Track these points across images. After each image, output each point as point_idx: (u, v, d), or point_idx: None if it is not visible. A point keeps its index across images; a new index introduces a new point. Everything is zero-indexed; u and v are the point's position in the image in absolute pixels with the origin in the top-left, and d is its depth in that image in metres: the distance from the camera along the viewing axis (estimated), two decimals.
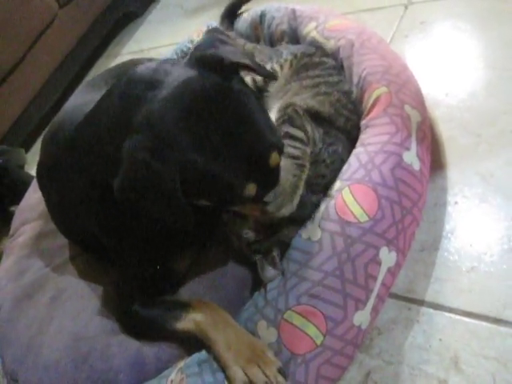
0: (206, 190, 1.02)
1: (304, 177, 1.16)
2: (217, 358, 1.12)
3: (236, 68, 1.02)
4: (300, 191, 1.14)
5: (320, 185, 1.25)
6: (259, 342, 1.11)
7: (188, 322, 1.19)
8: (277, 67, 1.54)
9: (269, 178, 1.06)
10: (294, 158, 1.16)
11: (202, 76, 0.98)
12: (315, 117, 1.32)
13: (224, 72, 0.99)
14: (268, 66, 1.56)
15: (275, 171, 1.07)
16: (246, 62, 1.03)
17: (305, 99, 1.36)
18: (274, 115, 1.35)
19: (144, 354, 1.28)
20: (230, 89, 0.98)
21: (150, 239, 1.28)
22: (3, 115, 2.88)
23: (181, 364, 1.19)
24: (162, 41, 3.05)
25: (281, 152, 1.06)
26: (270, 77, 1.26)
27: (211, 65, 0.99)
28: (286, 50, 1.62)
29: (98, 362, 1.33)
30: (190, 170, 0.96)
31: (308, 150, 1.20)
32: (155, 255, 1.30)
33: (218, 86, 0.98)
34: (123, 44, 3.43)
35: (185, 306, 1.22)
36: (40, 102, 3.04)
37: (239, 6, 2.10)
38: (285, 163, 1.13)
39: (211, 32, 1.14)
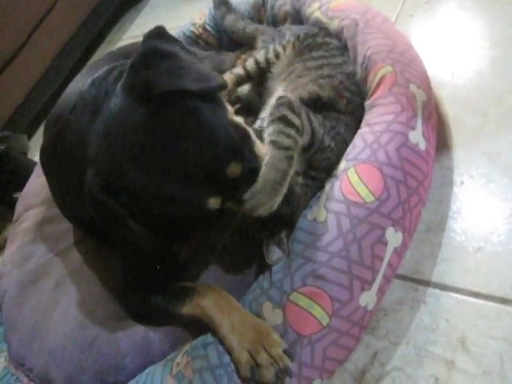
0: (170, 209, 1.04)
1: (291, 171, 1.12)
2: (222, 341, 1.12)
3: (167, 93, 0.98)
4: (284, 189, 1.10)
5: (323, 168, 1.24)
6: (264, 324, 1.11)
7: (193, 306, 1.20)
8: (279, 49, 1.53)
9: (234, 187, 1.04)
10: (283, 148, 1.12)
11: (133, 108, 0.97)
12: (315, 102, 1.31)
13: (156, 97, 0.96)
14: (270, 48, 1.55)
15: (240, 180, 1.05)
16: (177, 86, 0.98)
17: (306, 84, 1.36)
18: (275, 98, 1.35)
19: (150, 337, 1.29)
20: (164, 113, 0.96)
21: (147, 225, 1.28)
22: (5, 101, 2.87)
23: (186, 347, 1.19)
24: (164, 25, 2.98)
25: (242, 161, 1.03)
26: (216, 90, 1.10)
27: (142, 93, 0.97)
28: (289, 31, 1.60)
29: (105, 347, 1.34)
30: (146, 196, 0.99)
31: (300, 141, 1.17)
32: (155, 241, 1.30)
33: (150, 114, 0.96)
34: (125, 29, 3.40)
35: (189, 291, 1.22)
36: (42, 88, 3.02)
37: None
38: (272, 155, 1.11)
39: (150, 38, 1.09)
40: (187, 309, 1.21)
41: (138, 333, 1.31)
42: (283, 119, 1.17)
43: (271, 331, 1.09)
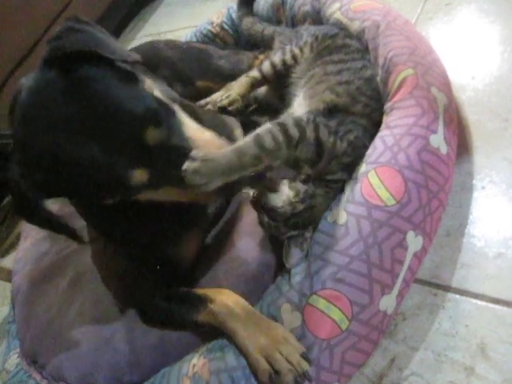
0: (95, 185, 0.98)
1: (248, 171, 1.09)
2: (238, 348, 1.11)
3: (80, 55, 0.95)
4: (227, 179, 1.06)
5: (343, 170, 1.24)
6: (280, 328, 1.10)
7: (206, 314, 1.19)
8: (297, 50, 1.52)
9: (160, 160, 0.99)
10: (260, 146, 1.10)
11: (42, 77, 0.96)
12: (331, 110, 1.30)
13: (65, 63, 0.94)
14: (287, 49, 1.54)
15: (167, 154, 1.00)
16: (89, 48, 0.95)
17: (323, 92, 1.34)
18: (298, 102, 1.37)
19: (166, 338, 1.29)
20: (71, 80, 0.93)
21: (141, 228, 1.29)
22: None
23: (203, 348, 1.19)
24: (179, 24, 3.02)
25: (159, 125, 0.97)
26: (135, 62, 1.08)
27: (52, 61, 0.95)
28: (307, 32, 1.59)
29: (121, 345, 1.34)
30: (64, 172, 0.95)
31: (284, 153, 1.15)
32: (153, 243, 1.31)
33: (57, 81, 0.94)
34: (140, 27, 3.41)
35: (202, 298, 1.21)
36: None
37: None
38: (245, 142, 1.10)
39: (66, 22, 1.06)
40: (201, 317, 1.20)
41: (153, 332, 1.31)
42: (281, 125, 1.15)
43: (288, 335, 1.08)
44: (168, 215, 1.25)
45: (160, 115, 0.99)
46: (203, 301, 1.20)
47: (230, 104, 1.57)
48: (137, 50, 1.93)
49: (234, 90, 1.60)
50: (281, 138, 1.13)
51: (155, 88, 1.09)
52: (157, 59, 1.81)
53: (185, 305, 1.25)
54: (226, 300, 1.18)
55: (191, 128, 1.09)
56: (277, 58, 1.55)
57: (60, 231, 1.10)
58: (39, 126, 0.93)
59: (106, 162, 0.93)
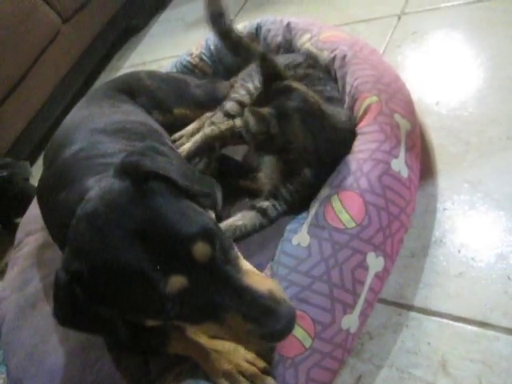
0: (134, 296, 0.96)
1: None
2: (207, 375, 1.14)
3: (153, 175, 0.99)
4: None
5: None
6: (240, 350, 1.13)
7: (173, 348, 1.22)
8: (261, 86, 1.57)
9: (201, 275, 0.95)
10: None
11: (114, 185, 0.99)
12: None
13: (138, 177, 0.97)
14: (250, 86, 1.60)
15: (209, 272, 0.95)
16: (164, 172, 0.99)
17: None
18: None
19: (148, 359, 1.31)
20: (140, 192, 0.96)
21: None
22: (9, 128, 2.92)
23: (176, 370, 1.21)
24: (164, 53, 3.09)
25: (214, 243, 0.96)
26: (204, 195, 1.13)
27: (128, 172, 0.99)
28: None
29: (106, 367, 1.36)
30: (107, 272, 0.94)
31: None
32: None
33: (129, 191, 0.97)
34: (126, 57, 3.48)
35: (167, 335, 1.23)
36: (45, 115, 3.09)
37: None
38: None
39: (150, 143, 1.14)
40: (169, 349, 1.22)
41: (137, 356, 1.34)
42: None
43: (249, 356, 1.11)
44: None
45: (214, 235, 0.98)
46: (166, 337, 1.22)
47: (207, 167, 1.63)
48: (119, 79, 1.98)
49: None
50: None
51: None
52: (137, 88, 1.86)
53: (154, 339, 1.25)
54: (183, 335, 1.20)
55: (245, 261, 1.07)
56: (243, 96, 1.63)
57: (107, 332, 1.10)
58: (102, 229, 0.94)
59: (147, 268, 0.91)
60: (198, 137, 1.60)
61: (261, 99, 1.28)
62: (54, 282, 0.96)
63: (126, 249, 0.91)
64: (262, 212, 1.37)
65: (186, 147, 1.60)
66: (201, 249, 0.93)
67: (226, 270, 0.96)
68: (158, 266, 0.91)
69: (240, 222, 1.37)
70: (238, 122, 1.55)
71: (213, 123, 1.66)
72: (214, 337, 1.15)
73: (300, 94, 1.25)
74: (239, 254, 1.06)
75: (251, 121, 1.20)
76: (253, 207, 1.39)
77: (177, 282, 0.92)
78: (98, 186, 1.02)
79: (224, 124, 1.58)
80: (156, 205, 0.95)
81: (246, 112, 1.23)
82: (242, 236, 1.37)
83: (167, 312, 0.94)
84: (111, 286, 0.94)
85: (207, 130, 1.59)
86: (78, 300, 0.94)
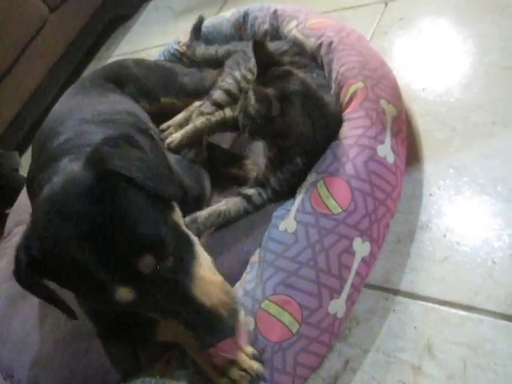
0: (84, 288, 0.99)
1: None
2: (195, 361, 1.16)
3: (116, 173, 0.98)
4: None
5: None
6: None
7: (160, 336, 1.23)
8: (247, 74, 1.58)
9: (150, 287, 0.97)
10: None
11: (78, 172, 1.00)
12: None
13: (102, 172, 0.97)
14: (237, 75, 1.60)
15: (159, 276, 0.97)
16: (128, 173, 0.98)
17: None
18: None
19: (138, 348, 1.32)
20: (101, 188, 0.96)
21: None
22: None
23: (167, 356, 1.23)
24: (153, 42, 3.08)
25: (161, 255, 0.97)
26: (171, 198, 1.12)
27: (95, 166, 0.99)
28: None
29: (95, 356, 1.37)
30: (61, 262, 0.96)
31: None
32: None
33: (90, 185, 0.97)
34: (115, 46, 3.46)
35: (155, 323, 1.24)
36: (33, 106, 3.07)
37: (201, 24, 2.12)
38: None
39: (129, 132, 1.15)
40: (158, 337, 1.24)
41: (127, 344, 1.35)
42: None
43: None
44: None
45: (164, 249, 0.98)
46: (154, 325, 1.23)
47: (196, 156, 1.63)
48: (106, 67, 1.98)
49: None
50: None
51: (181, 220, 1.13)
52: (124, 77, 1.85)
53: (143, 328, 1.26)
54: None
55: (203, 267, 1.08)
56: (230, 84, 1.62)
57: (54, 304, 1.09)
58: (57, 214, 0.96)
59: (96, 272, 0.93)
60: (188, 129, 1.60)
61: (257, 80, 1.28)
62: (14, 255, 0.99)
63: (76, 247, 0.93)
64: (247, 198, 1.37)
65: (177, 139, 1.59)
66: (147, 262, 0.95)
67: (175, 280, 1.00)
68: (105, 272, 0.93)
69: (224, 208, 1.38)
70: (228, 112, 1.56)
71: (201, 113, 1.66)
72: None
73: (299, 79, 1.25)
74: (198, 253, 1.09)
75: (252, 100, 1.21)
76: (238, 194, 1.40)
77: (124, 293, 0.95)
78: (64, 172, 1.04)
79: (214, 115, 1.58)
80: (112, 206, 0.96)
81: (250, 91, 1.23)
82: (225, 221, 1.38)
83: (117, 308, 1.00)
84: (62, 276, 0.98)
85: (198, 122, 1.59)
86: (34, 277, 0.98)
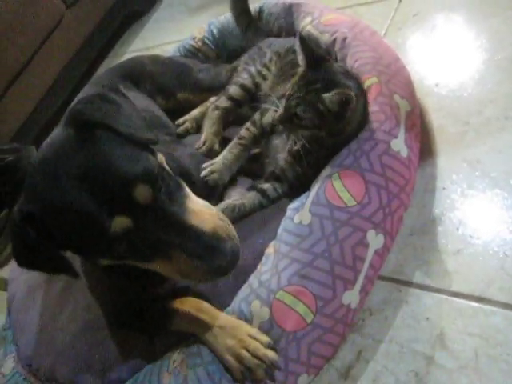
0: (84, 236, 1.01)
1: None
2: (210, 350, 1.19)
3: (94, 123, 1.02)
4: None
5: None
6: (243, 326, 1.17)
7: (175, 325, 1.27)
8: (262, 69, 1.60)
9: (146, 215, 1.00)
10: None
11: (60, 133, 1.04)
12: None
13: (81, 126, 1.01)
14: (253, 70, 1.63)
15: (155, 206, 1.01)
16: (106, 122, 1.02)
17: None
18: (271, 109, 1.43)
19: (156, 337, 1.35)
20: (84, 140, 1.00)
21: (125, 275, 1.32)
22: (14, 114, 2.95)
23: (182, 345, 1.25)
24: (167, 38, 3.11)
25: (151, 185, 1.00)
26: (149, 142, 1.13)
27: (73, 121, 1.03)
28: (269, 49, 1.69)
29: (112, 345, 1.40)
30: (58, 212, 0.99)
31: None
32: (139, 286, 1.35)
33: (72, 139, 1.01)
34: (129, 42, 3.50)
35: (169, 312, 1.28)
36: (50, 101, 3.11)
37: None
38: None
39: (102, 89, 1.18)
40: (174, 327, 1.27)
41: (144, 334, 1.37)
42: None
43: (252, 331, 1.15)
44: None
45: (156, 178, 1.02)
46: (170, 315, 1.27)
47: (210, 150, 1.65)
48: (122, 65, 2.00)
49: (208, 134, 1.68)
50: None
51: (165, 163, 1.16)
52: (140, 74, 1.88)
53: (159, 318, 1.31)
54: (188, 309, 1.24)
55: (196, 202, 1.12)
56: (247, 81, 1.65)
57: (60, 271, 1.10)
58: (50, 174, 0.99)
59: (93, 209, 0.96)
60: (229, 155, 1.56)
61: (307, 74, 1.29)
62: (10, 224, 1.02)
63: (71, 192, 0.97)
64: (262, 192, 1.40)
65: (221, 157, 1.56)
66: (141, 191, 0.99)
67: (171, 210, 1.03)
68: (102, 207, 0.96)
69: (239, 202, 1.40)
70: (252, 129, 1.54)
71: (217, 107, 1.68)
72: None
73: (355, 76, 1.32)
74: (189, 193, 1.12)
75: (328, 98, 1.21)
76: (252, 188, 1.42)
77: (121, 222, 0.98)
78: (50, 136, 1.07)
79: (245, 138, 1.55)
80: (98, 151, 0.99)
81: (317, 90, 1.24)
82: (240, 216, 1.40)
83: (115, 250, 1.01)
84: (60, 226, 1.00)
85: (235, 150, 1.56)
86: (30, 238, 0.99)
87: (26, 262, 1.06)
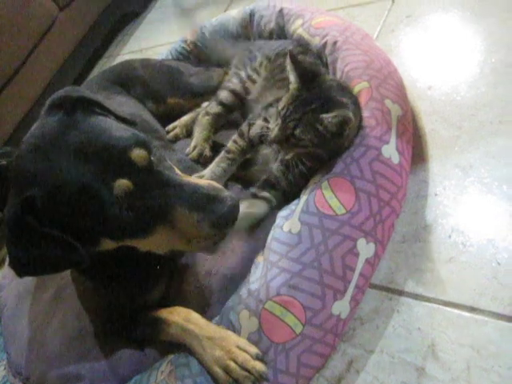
0: (80, 207, 1.01)
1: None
2: (199, 361, 1.17)
3: (81, 101, 1.08)
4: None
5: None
6: (232, 336, 1.16)
7: (164, 335, 1.26)
8: (252, 74, 1.59)
9: (144, 176, 1.04)
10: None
11: (46, 118, 1.06)
12: None
13: (69, 107, 1.06)
14: (243, 75, 1.61)
15: (151, 168, 1.05)
16: (88, 96, 1.10)
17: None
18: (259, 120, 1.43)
19: (144, 348, 1.34)
20: (73, 118, 1.04)
21: (117, 276, 1.33)
22: (7, 117, 2.92)
23: (170, 356, 1.24)
24: (161, 39, 3.10)
25: (146, 149, 1.05)
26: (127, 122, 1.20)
27: (58, 104, 1.07)
28: (260, 52, 1.66)
29: (102, 355, 1.39)
30: (56, 191, 0.99)
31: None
32: (126, 291, 1.35)
33: (62, 120, 1.04)
34: (124, 44, 3.48)
35: (158, 322, 1.28)
36: (43, 104, 3.04)
37: None
38: None
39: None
40: (162, 337, 1.27)
41: (133, 343, 1.36)
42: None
43: (240, 342, 1.14)
44: (142, 269, 1.32)
45: (149, 143, 1.08)
46: (158, 324, 1.27)
47: (200, 156, 1.63)
48: (113, 69, 1.99)
49: (198, 139, 1.66)
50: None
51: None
52: (130, 78, 1.88)
53: (147, 327, 1.31)
54: (177, 319, 1.24)
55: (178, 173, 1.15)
56: (236, 85, 1.64)
57: (66, 262, 1.08)
58: (44, 157, 1.00)
59: (93, 178, 0.98)
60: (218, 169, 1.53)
61: (301, 93, 1.27)
62: (5, 223, 1.00)
63: (70, 167, 0.98)
64: (267, 201, 1.38)
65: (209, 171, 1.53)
66: (138, 153, 1.03)
67: (166, 173, 1.08)
68: (103, 174, 0.98)
69: (254, 210, 1.38)
70: (240, 142, 1.52)
71: (207, 113, 1.67)
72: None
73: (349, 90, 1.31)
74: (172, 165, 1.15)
75: (327, 119, 1.19)
76: (255, 196, 1.40)
77: (122, 184, 1.00)
78: (30, 131, 1.08)
79: (232, 152, 1.53)
80: (89, 125, 1.04)
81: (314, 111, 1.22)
82: (255, 224, 1.38)
83: (118, 220, 1.02)
84: (62, 204, 0.99)
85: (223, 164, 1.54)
86: (31, 232, 0.99)
87: (26, 269, 1.06)
